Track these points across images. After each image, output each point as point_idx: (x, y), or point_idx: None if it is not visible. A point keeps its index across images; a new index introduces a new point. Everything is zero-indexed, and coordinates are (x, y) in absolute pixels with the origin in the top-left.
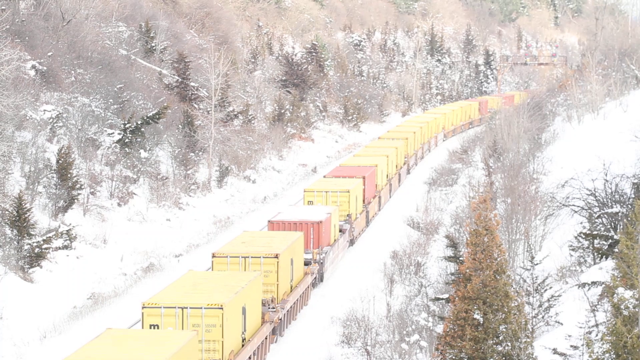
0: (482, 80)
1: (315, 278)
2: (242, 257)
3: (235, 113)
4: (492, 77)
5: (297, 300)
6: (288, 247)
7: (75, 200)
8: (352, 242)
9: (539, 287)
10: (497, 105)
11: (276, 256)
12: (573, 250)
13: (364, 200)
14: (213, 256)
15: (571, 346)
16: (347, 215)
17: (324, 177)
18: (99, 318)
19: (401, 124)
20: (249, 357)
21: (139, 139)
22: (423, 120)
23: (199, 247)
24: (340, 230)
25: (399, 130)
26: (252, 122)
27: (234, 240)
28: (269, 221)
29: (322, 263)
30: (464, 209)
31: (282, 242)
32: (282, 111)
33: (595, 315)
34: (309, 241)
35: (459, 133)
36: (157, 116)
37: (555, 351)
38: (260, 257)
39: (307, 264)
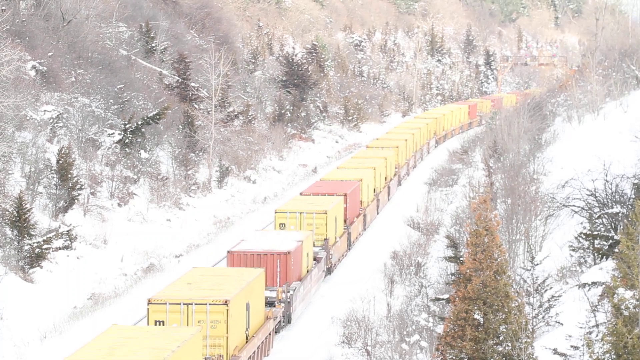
0: (483, 81)
1: (279, 322)
2: (183, 303)
3: (236, 113)
4: (493, 78)
5: (255, 352)
6: (243, 289)
7: (76, 201)
8: (329, 271)
9: (539, 288)
10: (486, 108)
11: (225, 303)
12: (573, 250)
13: (345, 221)
14: (149, 302)
15: (571, 346)
16: (324, 239)
17: (301, 194)
18: (99, 318)
19: (391, 131)
20: None
21: (139, 140)
22: (415, 126)
23: (199, 248)
24: (315, 259)
25: (389, 137)
26: (252, 122)
27: (179, 280)
28: (228, 252)
29: (289, 302)
30: (464, 210)
31: (236, 282)
32: (282, 111)
33: (595, 316)
34: (275, 275)
35: (450, 138)
36: (158, 116)
37: (555, 351)
38: (206, 304)
39: (270, 303)
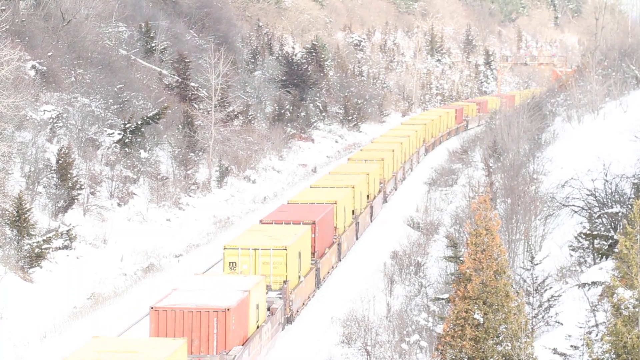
0: (482, 81)
1: None
2: None
3: (235, 113)
4: (492, 77)
5: None
6: None
7: (75, 201)
8: (289, 320)
9: (539, 287)
10: (472, 112)
11: None
12: (573, 250)
13: (313, 254)
14: None
15: (571, 346)
16: (284, 282)
17: (261, 222)
18: (99, 318)
19: (377, 140)
20: None
21: (139, 139)
22: (403, 134)
23: (199, 247)
24: (269, 309)
25: (374, 147)
26: (252, 122)
27: (71, 356)
28: (151, 308)
29: None
30: (464, 209)
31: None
32: (282, 111)
33: (595, 316)
34: (210, 338)
35: (438, 146)
36: (157, 116)
37: (555, 351)
38: None
39: None
